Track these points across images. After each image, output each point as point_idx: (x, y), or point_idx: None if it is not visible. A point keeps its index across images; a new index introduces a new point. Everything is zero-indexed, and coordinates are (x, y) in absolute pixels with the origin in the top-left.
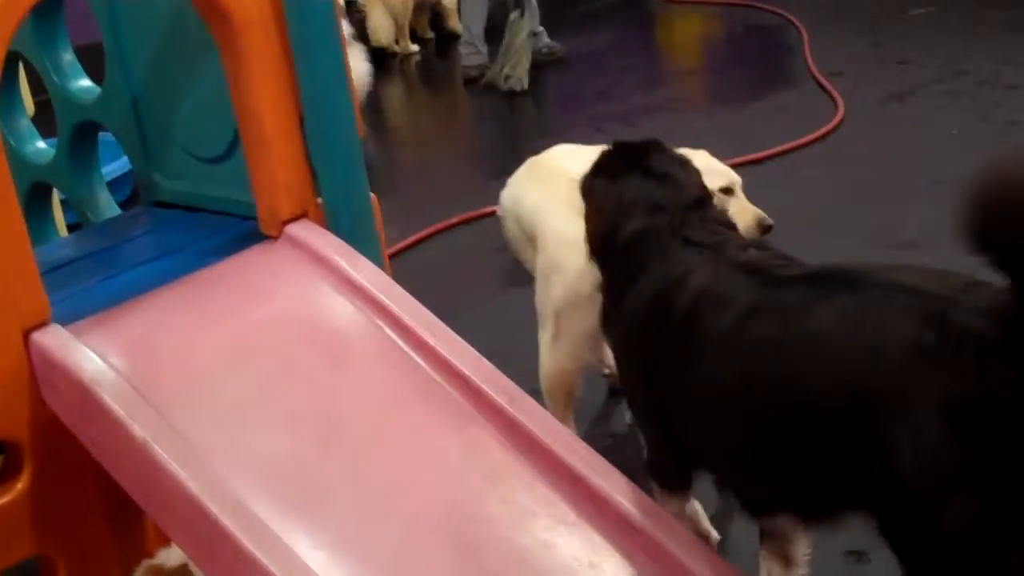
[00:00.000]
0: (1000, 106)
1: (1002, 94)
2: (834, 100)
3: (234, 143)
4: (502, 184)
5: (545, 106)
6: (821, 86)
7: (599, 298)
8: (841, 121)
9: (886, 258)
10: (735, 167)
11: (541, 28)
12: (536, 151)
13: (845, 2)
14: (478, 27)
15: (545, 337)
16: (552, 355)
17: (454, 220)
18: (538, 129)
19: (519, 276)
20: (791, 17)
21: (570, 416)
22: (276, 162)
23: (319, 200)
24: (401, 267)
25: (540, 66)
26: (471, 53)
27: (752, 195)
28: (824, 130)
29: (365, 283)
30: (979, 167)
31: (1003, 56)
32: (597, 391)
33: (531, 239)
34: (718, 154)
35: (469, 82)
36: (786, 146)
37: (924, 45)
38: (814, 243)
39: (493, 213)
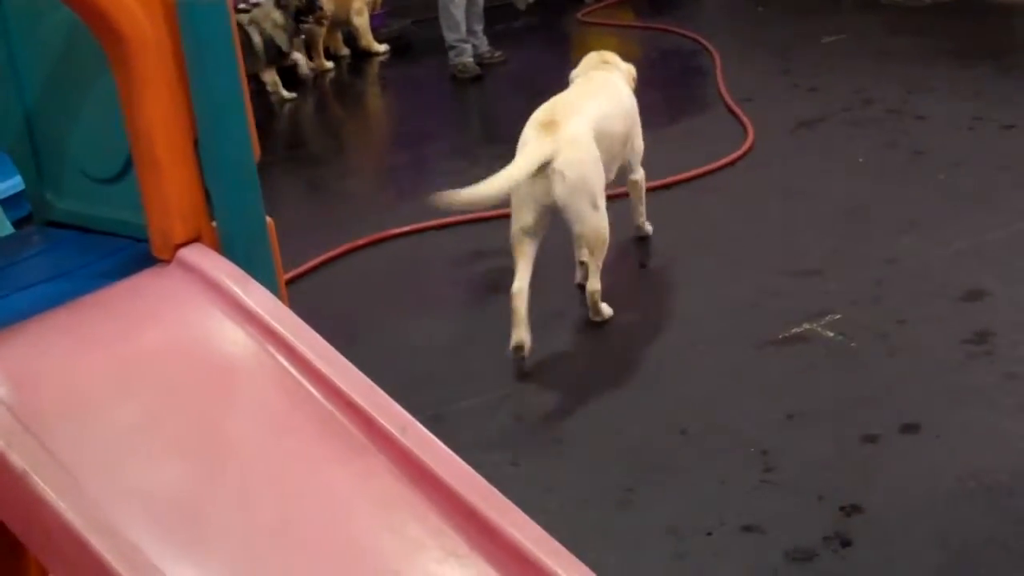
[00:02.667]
0: (907, 135)
1: (909, 123)
2: (744, 126)
3: (128, 164)
4: (412, 204)
5: (460, 127)
6: (732, 112)
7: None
8: (751, 147)
9: (789, 285)
10: (646, 191)
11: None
12: (448, 172)
13: (758, 28)
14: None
15: None
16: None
17: (361, 241)
18: (451, 150)
19: (425, 300)
20: (705, 42)
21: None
22: (168, 184)
23: (214, 224)
24: (307, 288)
25: (464, 82)
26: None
27: (661, 220)
28: (733, 156)
29: (257, 309)
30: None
31: (912, 85)
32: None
33: None
34: None
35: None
36: (695, 172)
37: (835, 72)
38: (717, 269)
39: (403, 234)
